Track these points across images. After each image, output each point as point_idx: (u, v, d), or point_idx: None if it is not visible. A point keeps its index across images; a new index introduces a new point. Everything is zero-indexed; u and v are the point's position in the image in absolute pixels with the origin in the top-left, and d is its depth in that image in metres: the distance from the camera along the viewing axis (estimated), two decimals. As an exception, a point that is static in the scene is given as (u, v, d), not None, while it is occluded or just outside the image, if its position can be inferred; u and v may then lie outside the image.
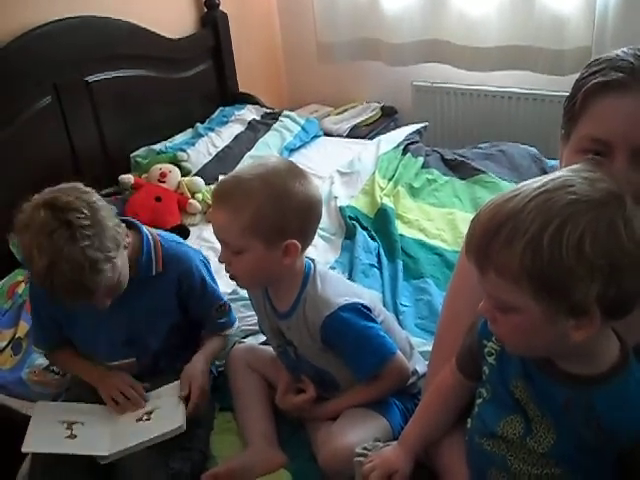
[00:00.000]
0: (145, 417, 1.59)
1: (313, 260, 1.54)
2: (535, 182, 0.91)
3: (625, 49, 1.07)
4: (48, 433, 1.54)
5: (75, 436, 1.54)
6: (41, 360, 1.90)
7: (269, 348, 1.72)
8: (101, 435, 1.55)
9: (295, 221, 1.39)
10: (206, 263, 1.75)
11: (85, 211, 1.43)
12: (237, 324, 1.83)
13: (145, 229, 1.66)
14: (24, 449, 1.49)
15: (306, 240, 1.45)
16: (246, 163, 2.91)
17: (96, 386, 1.67)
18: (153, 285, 1.63)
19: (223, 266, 1.46)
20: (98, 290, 1.47)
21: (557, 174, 0.92)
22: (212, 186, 2.76)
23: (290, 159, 1.48)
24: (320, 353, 1.50)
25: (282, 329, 1.54)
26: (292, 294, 1.49)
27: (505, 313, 0.94)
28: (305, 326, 1.48)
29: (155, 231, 1.70)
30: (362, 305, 1.48)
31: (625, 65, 1.03)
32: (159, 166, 2.78)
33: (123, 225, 1.57)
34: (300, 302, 1.48)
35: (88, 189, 1.51)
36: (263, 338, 1.88)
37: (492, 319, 0.98)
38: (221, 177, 2.81)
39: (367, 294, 1.63)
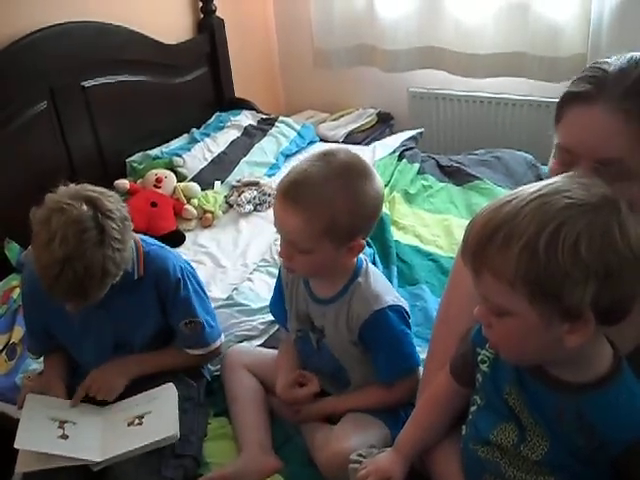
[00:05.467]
0: (137, 421, 1.57)
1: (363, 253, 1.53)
2: (531, 187, 0.92)
3: (616, 57, 1.07)
4: (40, 431, 1.53)
5: (67, 436, 1.52)
6: (35, 365, 1.89)
7: (268, 350, 1.70)
8: (93, 439, 1.54)
9: (366, 223, 1.40)
10: (191, 271, 1.71)
11: (120, 224, 1.46)
12: (215, 345, 1.72)
13: None
14: (16, 445, 1.47)
15: (368, 236, 1.46)
16: (246, 169, 2.93)
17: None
18: (136, 289, 1.62)
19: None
20: (91, 299, 1.47)
21: (552, 180, 0.92)
22: (208, 191, 2.76)
23: (356, 152, 1.44)
24: (348, 346, 1.49)
25: (312, 315, 1.52)
26: (340, 283, 1.48)
27: (500, 317, 0.94)
28: (345, 315, 1.46)
29: (137, 235, 1.68)
30: (404, 310, 1.49)
31: (599, 75, 1.04)
32: (155, 171, 2.78)
33: (134, 249, 1.57)
34: (348, 292, 1.47)
35: (125, 204, 1.53)
36: (257, 343, 1.87)
37: (487, 324, 0.98)
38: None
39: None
